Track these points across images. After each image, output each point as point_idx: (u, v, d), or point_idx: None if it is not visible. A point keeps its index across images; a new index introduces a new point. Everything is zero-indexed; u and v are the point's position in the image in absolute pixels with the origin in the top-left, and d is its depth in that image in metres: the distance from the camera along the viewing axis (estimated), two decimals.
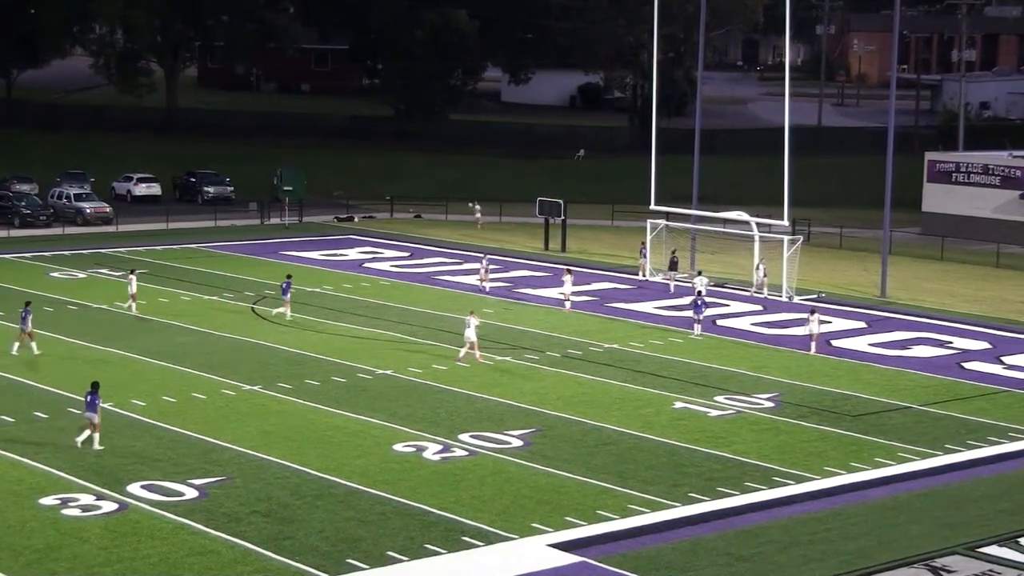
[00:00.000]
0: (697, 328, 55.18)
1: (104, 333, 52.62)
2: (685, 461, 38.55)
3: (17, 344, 48.84)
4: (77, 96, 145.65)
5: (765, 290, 63.35)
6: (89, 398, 38.29)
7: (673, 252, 66.39)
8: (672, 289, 63.71)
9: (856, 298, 64.31)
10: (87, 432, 38.26)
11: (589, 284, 64.79)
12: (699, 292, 57.42)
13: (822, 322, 53.65)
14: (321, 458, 37.78)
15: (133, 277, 56.76)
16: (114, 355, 49.45)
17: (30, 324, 48.91)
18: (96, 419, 38.19)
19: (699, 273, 61.68)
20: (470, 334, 49.41)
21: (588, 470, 37.42)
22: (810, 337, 52.54)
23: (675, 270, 64.98)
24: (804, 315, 60.05)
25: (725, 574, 30.73)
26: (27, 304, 50.12)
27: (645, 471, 37.50)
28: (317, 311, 57.90)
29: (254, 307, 58.62)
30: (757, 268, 63.92)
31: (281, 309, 56.84)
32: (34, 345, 48.87)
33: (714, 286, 62.82)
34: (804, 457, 39.20)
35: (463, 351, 49.55)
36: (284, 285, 57.40)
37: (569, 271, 60.95)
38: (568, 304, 59.19)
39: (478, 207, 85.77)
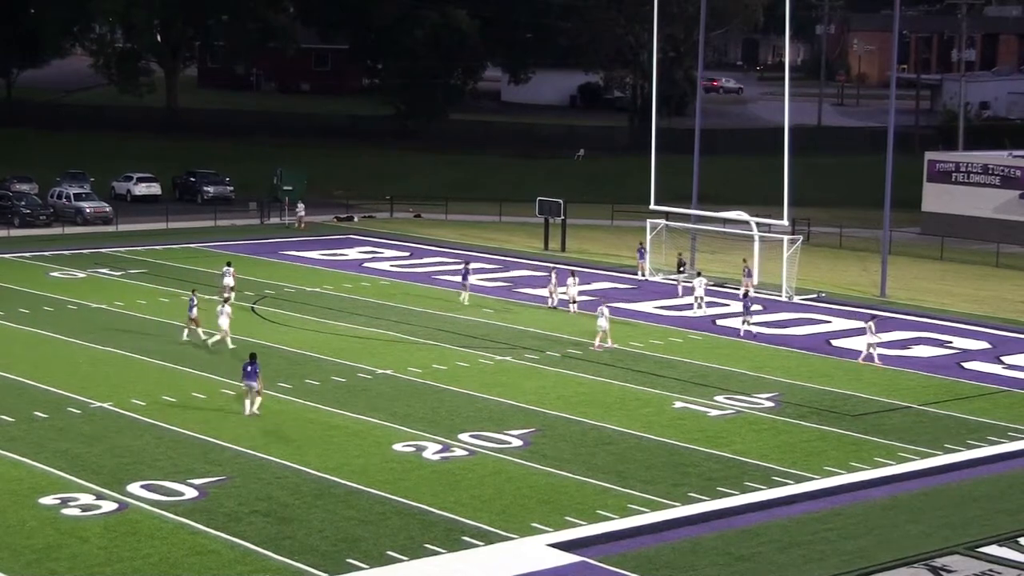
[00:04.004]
0: (744, 329, 54.94)
1: (104, 333, 52.64)
2: (685, 461, 38.56)
3: (187, 331, 51.32)
4: (77, 96, 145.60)
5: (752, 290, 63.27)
6: (248, 368, 41.14)
7: (680, 255, 66.31)
8: (681, 291, 63.52)
9: (856, 298, 64.31)
10: (248, 401, 41.35)
11: (589, 284, 64.75)
12: (745, 293, 57.25)
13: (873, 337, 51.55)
14: (321, 458, 37.79)
15: (231, 270, 58.78)
16: (114, 355, 49.46)
17: (195, 311, 51.33)
18: (256, 386, 41.22)
19: (699, 274, 61.60)
20: (603, 323, 51.76)
21: (588, 470, 37.43)
22: (868, 347, 51.24)
23: (683, 272, 64.83)
24: (806, 315, 60.18)
25: (725, 574, 30.74)
26: (193, 292, 53.09)
27: (645, 471, 37.51)
28: (317, 311, 57.91)
29: (254, 307, 58.62)
30: (748, 271, 63.53)
31: (464, 295, 60.10)
32: (200, 331, 51.06)
33: (713, 286, 62.80)
34: (804, 457, 39.21)
35: (598, 340, 51.73)
36: (464, 271, 60.76)
37: (573, 273, 60.91)
38: (574, 307, 58.90)
39: (301, 205, 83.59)
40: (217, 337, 50.21)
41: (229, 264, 60.40)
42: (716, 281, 64.75)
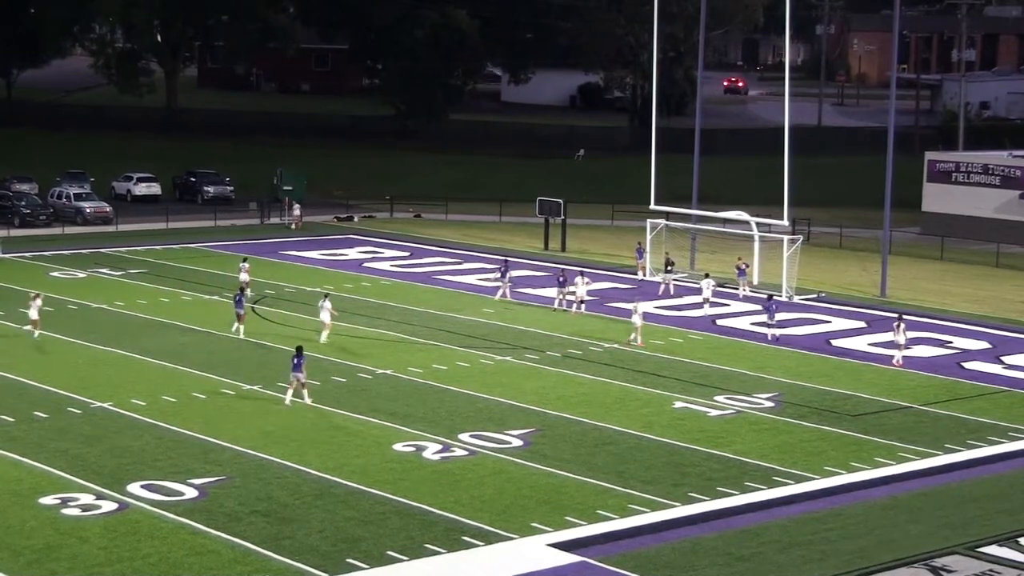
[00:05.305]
0: (770, 332, 54.59)
1: (104, 333, 52.65)
2: (685, 461, 38.56)
3: (238, 327, 52.49)
4: (77, 96, 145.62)
5: (747, 289, 63.41)
6: (296, 360, 42.55)
7: (667, 254, 66.33)
8: (672, 290, 63.55)
9: (856, 298, 64.32)
10: (292, 391, 42.79)
11: (589, 284, 64.61)
12: (770, 296, 57.04)
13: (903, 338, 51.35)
14: (321, 458, 37.79)
15: (246, 266, 60.53)
16: (114, 355, 49.47)
17: (244, 308, 53.15)
18: (302, 378, 42.65)
19: (706, 275, 61.39)
20: (636, 320, 52.76)
21: (588, 470, 37.43)
22: (896, 347, 51.24)
23: (670, 271, 64.84)
24: (806, 315, 60.11)
25: (725, 574, 30.74)
26: (242, 290, 55.01)
27: (645, 471, 37.51)
28: (317, 311, 57.81)
29: (254, 307, 58.60)
30: (741, 269, 63.59)
31: (504, 291, 61.30)
32: (241, 328, 52.54)
33: (716, 286, 62.74)
34: (804, 457, 39.21)
35: (635, 336, 52.63)
36: (502, 269, 61.94)
37: (582, 273, 60.94)
38: (575, 307, 58.75)
39: (297, 206, 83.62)
40: (325, 332, 51.47)
41: (245, 260, 61.61)
42: (718, 281, 64.68)
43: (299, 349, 43.33)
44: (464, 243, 77.90)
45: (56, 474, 35.96)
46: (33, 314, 51.33)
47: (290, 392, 43.07)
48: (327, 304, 51.88)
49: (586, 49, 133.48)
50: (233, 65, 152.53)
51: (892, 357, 51.08)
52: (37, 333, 51.17)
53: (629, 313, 59.06)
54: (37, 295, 52.70)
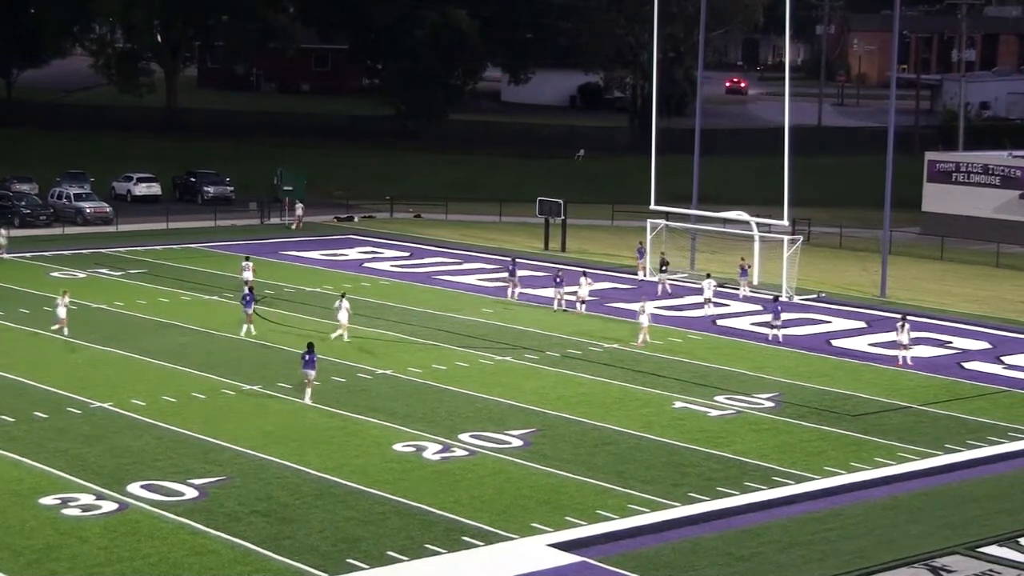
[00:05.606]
0: (773, 334, 54.46)
1: (104, 333, 52.64)
2: (685, 461, 38.56)
3: (248, 327, 52.57)
4: (77, 96, 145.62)
5: (748, 289, 63.44)
6: (307, 357, 42.91)
7: (663, 254, 66.27)
8: (669, 290, 63.55)
9: (856, 298, 64.32)
10: (309, 388, 43.17)
11: (590, 284, 64.58)
12: (776, 297, 56.94)
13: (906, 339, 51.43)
14: (321, 458, 37.79)
15: (250, 264, 60.97)
16: (114, 355, 49.47)
17: (253, 307, 53.27)
18: (312, 375, 43.04)
19: (708, 275, 61.34)
20: (644, 320, 52.95)
21: (588, 470, 37.43)
22: (899, 347, 51.26)
23: (665, 271, 64.80)
24: (806, 315, 60.06)
25: (725, 574, 30.74)
26: (251, 290, 54.89)
27: (645, 471, 37.51)
28: (317, 311, 57.88)
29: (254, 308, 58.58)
30: (743, 269, 63.58)
31: (514, 290, 61.74)
32: (251, 327, 52.63)
33: (717, 286, 62.74)
34: (804, 457, 39.21)
35: (642, 337, 52.66)
36: (510, 268, 62.50)
37: (585, 273, 60.94)
38: (577, 307, 58.81)
39: (300, 205, 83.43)
40: (338, 332, 51.93)
41: (247, 259, 61.85)
42: (718, 281, 64.65)
43: (310, 346, 43.60)
44: (464, 243, 77.90)
45: (56, 474, 35.97)
46: (61, 312, 51.48)
47: (308, 390, 43.33)
48: (345, 304, 52.07)
49: (586, 49, 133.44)
50: (233, 65, 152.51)
51: (896, 358, 51.05)
52: (66, 331, 51.46)
53: (630, 313, 59.17)
54: (65, 292, 52.99)
